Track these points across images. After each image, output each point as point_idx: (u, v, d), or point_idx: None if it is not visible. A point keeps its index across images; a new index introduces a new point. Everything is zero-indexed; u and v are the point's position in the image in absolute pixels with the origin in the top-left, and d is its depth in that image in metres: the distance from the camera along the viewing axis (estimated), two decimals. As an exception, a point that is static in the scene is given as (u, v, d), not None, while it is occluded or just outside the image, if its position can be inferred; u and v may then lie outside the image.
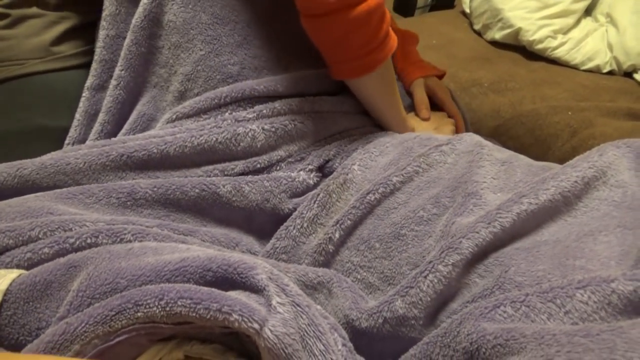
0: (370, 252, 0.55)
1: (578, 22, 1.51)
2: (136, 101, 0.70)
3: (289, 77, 0.67)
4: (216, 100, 0.64)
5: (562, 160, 1.16)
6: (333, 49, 0.64)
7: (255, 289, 0.38)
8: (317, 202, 0.60)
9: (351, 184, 0.62)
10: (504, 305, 0.41)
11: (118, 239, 0.47)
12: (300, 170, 0.64)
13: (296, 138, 0.65)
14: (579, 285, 0.40)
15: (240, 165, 0.62)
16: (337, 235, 0.57)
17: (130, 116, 0.69)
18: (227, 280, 0.39)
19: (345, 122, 0.70)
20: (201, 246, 0.52)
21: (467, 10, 1.70)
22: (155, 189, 0.57)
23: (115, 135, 0.69)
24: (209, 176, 0.61)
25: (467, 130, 0.87)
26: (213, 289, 0.36)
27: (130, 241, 0.48)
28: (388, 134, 0.70)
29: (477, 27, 1.62)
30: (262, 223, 0.62)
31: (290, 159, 0.65)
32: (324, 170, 0.66)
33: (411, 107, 0.84)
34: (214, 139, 0.61)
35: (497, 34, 1.52)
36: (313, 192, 0.61)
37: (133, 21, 0.67)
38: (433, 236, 0.53)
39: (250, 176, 0.62)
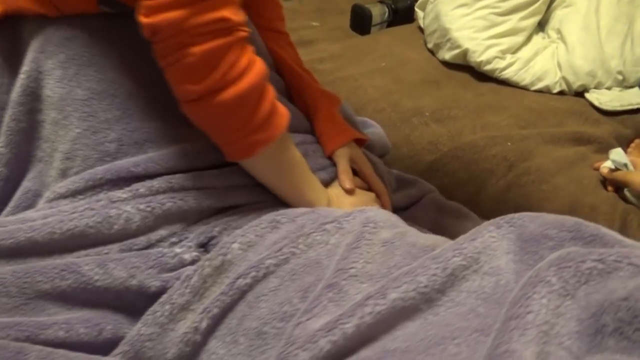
0: (235, 347, 0.53)
1: (529, 39, 1.48)
2: (22, 176, 0.68)
3: (172, 153, 0.65)
4: (90, 182, 0.62)
5: (495, 199, 1.14)
6: (212, 132, 0.62)
7: None
8: (189, 287, 0.57)
9: (230, 266, 0.59)
10: None
11: None
12: (176, 246, 0.62)
13: (177, 217, 0.63)
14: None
15: (115, 248, 0.60)
16: (204, 324, 0.55)
17: (16, 193, 0.67)
18: None
19: (235, 197, 0.67)
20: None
21: (423, 26, 1.67)
22: (14, 273, 0.55)
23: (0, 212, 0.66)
24: None
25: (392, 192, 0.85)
26: None
27: None
28: (284, 208, 0.67)
29: (429, 45, 1.59)
30: (133, 300, 0.59)
31: (173, 239, 0.63)
32: (207, 247, 0.64)
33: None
34: (85, 222, 0.59)
35: (447, 54, 1.49)
36: (186, 273, 0.59)
37: (12, 96, 0.65)
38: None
39: (119, 253, 0.59)
